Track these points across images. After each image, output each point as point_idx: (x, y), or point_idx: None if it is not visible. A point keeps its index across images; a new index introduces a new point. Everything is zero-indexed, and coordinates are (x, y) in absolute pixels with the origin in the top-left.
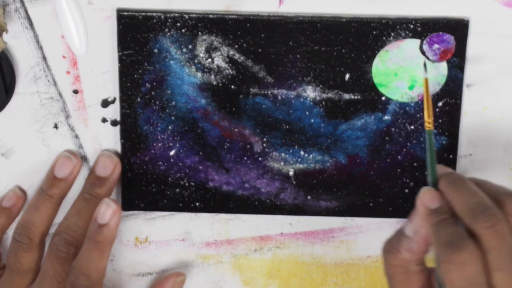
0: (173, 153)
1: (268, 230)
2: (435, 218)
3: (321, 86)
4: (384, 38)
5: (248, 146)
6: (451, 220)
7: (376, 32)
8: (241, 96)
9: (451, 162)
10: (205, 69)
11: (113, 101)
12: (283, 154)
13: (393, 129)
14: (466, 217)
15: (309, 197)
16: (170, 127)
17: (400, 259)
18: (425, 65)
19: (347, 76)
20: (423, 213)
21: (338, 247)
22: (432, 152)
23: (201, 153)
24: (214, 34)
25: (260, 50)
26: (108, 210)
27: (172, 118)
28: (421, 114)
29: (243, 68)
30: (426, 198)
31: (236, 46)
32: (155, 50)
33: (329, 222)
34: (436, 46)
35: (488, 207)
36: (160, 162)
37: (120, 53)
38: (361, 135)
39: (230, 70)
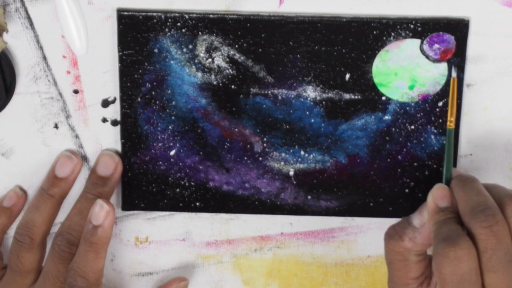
0: (173, 153)
1: (268, 230)
2: (440, 216)
3: (321, 86)
4: (384, 38)
5: (248, 146)
6: (453, 220)
7: (377, 32)
8: (242, 96)
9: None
10: (206, 69)
11: (113, 101)
12: (283, 154)
13: (393, 129)
14: (466, 216)
15: (309, 197)
16: (170, 127)
17: (402, 247)
18: (452, 64)
19: (347, 76)
20: (431, 209)
21: (338, 247)
22: (451, 150)
23: (201, 153)
24: (214, 34)
25: (260, 50)
26: (101, 211)
27: (173, 118)
28: (421, 114)
29: (243, 68)
30: (437, 194)
31: (236, 46)
32: (155, 50)
33: (329, 222)
34: (436, 46)
35: (488, 207)
36: (160, 162)
37: (120, 53)
38: (361, 135)
39: (230, 70)
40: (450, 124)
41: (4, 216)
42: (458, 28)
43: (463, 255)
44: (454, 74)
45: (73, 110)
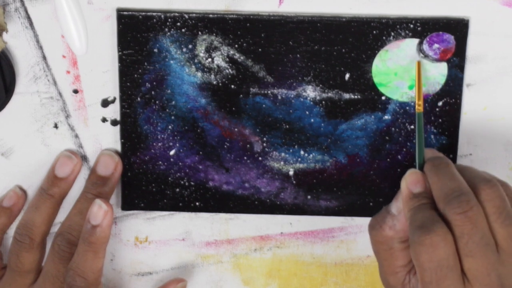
0: (173, 152)
1: (268, 229)
2: (415, 202)
3: (321, 85)
4: (384, 37)
5: (248, 145)
6: (428, 206)
7: (376, 32)
8: (241, 95)
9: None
10: (205, 69)
11: (113, 101)
12: (283, 154)
13: (393, 128)
14: (440, 202)
15: (309, 196)
16: (170, 127)
17: (383, 236)
18: (420, 48)
19: (347, 75)
20: (405, 196)
21: (338, 247)
22: (421, 134)
23: (201, 152)
24: (214, 34)
25: (260, 50)
26: (100, 211)
27: (172, 117)
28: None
29: (243, 67)
30: (410, 180)
31: (236, 45)
32: (155, 50)
33: (329, 222)
34: (436, 45)
35: (462, 193)
36: (160, 162)
37: (120, 53)
38: (361, 135)
39: (230, 70)
40: (419, 108)
41: (4, 216)
42: (458, 28)
43: (439, 242)
44: (418, 57)
45: (72, 110)
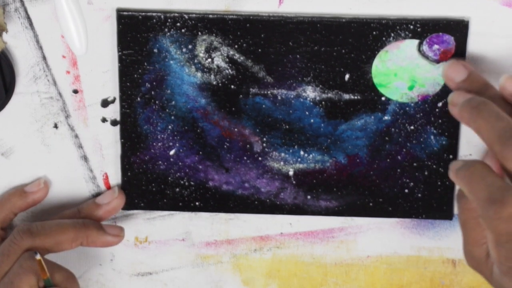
0: (173, 152)
1: (268, 230)
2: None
3: (321, 86)
4: (384, 38)
5: (248, 146)
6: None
7: (376, 33)
8: (241, 96)
9: None
10: (205, 69)
11: (113, 101)
12: (283, 154)
13: (393, 129)
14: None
15: (309, 197)
16: (170, 127)
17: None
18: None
19: (347, 76)
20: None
21: (338, 247)
22: None
23: (201, 152)
24: (214, 34)
25: (260, 50)
26: (111, 194)
27: (172, 117)
28: (421, 114)
29: (243, 68)
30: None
31: (236, 46)
32: (155, 50)
33: (329, 222)
34: (436, 46)
35: None
36: (160, 162)
37: (120, 53)
38: (361, 135)
39: (230, 70)
40: None
41: (21, 200)
42: (458, 29)
43: None
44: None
45: (72, 110)
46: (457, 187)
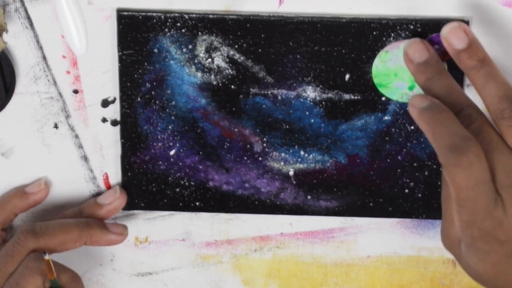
0: (173, 152)
1: (268, 230)
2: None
3: (321, 86)
4: (384, 38)
5: (248, 146)
6: (450, 119)
7: (376, 33)
8: (241, 96)
9: None
10: (205, 69)
11: (113, 101)
12: (283, 154)
13: (393, 129)
14: (444, 154)
15: (309, 197)
16: (170, 127)
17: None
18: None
19: (347, 76)
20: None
21: (338, 247)
22: None
23: (201, 152)
24: (214, 34)
25: (260, 50)
26: (112, 194)
27: (172, 117)
28: None
29: (243, 68)
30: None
31: (236, 46)
32: (155, 50)
33: (329, 222)
34: (436, 46)
35: None
36: (160, 162)
37: (120, 53)
38: (361, 135)
39: (230, 70)
40: None
41: (22, 200)
42: None
43: (474, 159)
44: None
45: (73, 110)
46: None
